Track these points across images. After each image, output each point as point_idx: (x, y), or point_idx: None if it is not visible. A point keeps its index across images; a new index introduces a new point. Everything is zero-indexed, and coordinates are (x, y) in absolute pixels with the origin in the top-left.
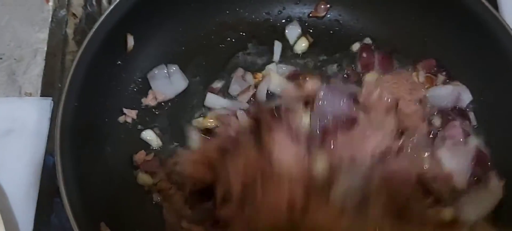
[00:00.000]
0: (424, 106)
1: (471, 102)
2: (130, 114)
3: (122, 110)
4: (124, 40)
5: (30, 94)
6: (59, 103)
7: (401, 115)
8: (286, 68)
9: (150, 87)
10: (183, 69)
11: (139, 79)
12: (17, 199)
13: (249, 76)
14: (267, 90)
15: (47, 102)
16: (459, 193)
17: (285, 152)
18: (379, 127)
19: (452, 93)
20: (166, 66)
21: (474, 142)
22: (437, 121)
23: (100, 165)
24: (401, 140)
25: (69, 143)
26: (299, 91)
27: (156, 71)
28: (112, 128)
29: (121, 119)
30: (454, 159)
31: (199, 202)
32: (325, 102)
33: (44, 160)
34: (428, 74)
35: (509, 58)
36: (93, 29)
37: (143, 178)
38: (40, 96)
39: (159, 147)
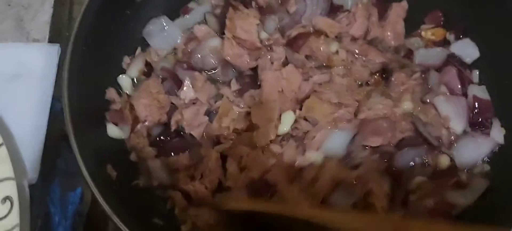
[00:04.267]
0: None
1: (478, 58)
2: None
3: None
4: None
5: (38, 41)
6: (67, 46)
7: None
8: None
9: None
10: None
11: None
12: (25, 141)
13: None
14: None
15: (55, 49)
16: (456, 138)
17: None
18: None
19: (439, 54)
20: (158, 19)
21: (474, 90)
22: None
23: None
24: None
25: (76, 85)
26: None
27: (150, 27)
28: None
29: None
30: (449, 104)
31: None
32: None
33: (51, 106)
34: (435, 28)
35: None
36: None
37: (113, 131)
38: (48, 43)
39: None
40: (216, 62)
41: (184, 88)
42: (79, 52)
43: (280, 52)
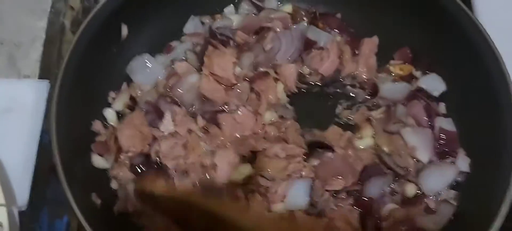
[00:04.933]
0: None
1: (445, 92)
2: None
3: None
4: (119, 29)
5: (28, 77)
6: (56, 81)
7: None
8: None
9: None
10: None
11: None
12: (15, 172)
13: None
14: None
15: (44, 84)
16: (422, 167)
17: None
18: None
19: (404, 89)
20: (141, 57)
21: (441, 122)
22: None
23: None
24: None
25: (64, 119)
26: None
27: (133, 64)
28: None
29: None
30: (416, 135)
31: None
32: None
33: (41, 138)
34: (403, 64)
35: (478, 51)
36: (91, 15)
37: (98, 161)
38: (38, 79)
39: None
40: (194, 97)
41: (164, 121)
42: (67, 88)
43: (244, 87)
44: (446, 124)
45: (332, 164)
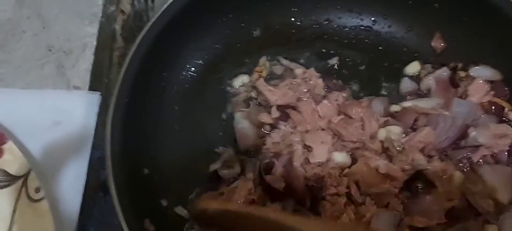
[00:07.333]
0: None
1: None
2: None
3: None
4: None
5: (78, 88)
6: (110, 99)
7: None
8: None
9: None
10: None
11: (189, 77)
12: (64, 192)
13: None
14: None
15: (95, 97)
16: (503, 208)
17: None
18: None
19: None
20: None
21: None
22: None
23: (149, 161)
24: None
25: (119, 138)
26: None
27: None
28: (163, 127)
29: None
30: (496, 174)
31: None
32: None
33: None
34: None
35: None
36: (147, 27)
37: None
38: (88, 90)
39: None
40: None
41: None
42: (122, 103)
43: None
44: None
45: (425, 200)
